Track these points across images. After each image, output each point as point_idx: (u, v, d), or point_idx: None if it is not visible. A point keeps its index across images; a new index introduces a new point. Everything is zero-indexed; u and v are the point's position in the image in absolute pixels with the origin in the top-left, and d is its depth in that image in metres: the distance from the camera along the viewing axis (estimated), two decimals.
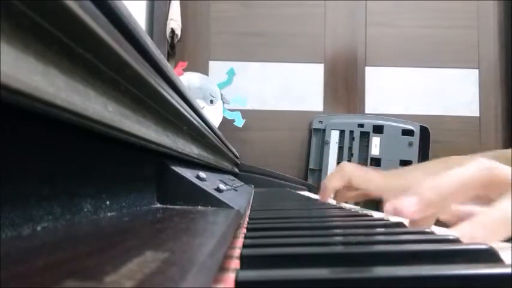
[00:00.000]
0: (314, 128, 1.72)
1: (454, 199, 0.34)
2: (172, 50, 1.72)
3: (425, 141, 1.68)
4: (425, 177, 0.34)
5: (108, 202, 0.27)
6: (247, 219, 0.38)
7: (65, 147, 0.22)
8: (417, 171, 0.66)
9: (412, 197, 0.32)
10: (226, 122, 1.64)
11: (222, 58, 1.80)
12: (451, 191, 0.33)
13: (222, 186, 0.43)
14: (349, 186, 0.66)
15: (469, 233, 0.28)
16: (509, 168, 0.33)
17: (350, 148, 1.69)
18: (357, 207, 0.65)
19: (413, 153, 1.66)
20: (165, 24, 1.64)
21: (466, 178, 0.33)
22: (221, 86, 1.67)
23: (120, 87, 0.23)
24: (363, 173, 0.65)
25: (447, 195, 0.33)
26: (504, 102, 1.83)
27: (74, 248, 0.16)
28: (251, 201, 0.64)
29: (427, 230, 0.28)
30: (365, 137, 1.69)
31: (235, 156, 1.19)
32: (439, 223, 0.37)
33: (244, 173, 1.45)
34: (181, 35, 1.68)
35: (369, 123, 1.69)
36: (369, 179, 0.64)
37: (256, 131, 1.78)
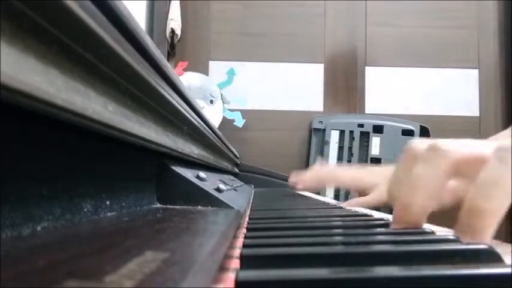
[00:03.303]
0: (314, 128, 1.72)
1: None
2: (172, 50, 1.71)
3: None
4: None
5: (108, 202, 0.27)
6: (247, 219, 0.38)
7: (65, 147, 0.22)
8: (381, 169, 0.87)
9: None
10: (226, 122, 1.64)
11: (222, 58, 1.80)
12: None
13: (222, 186, 0.43)
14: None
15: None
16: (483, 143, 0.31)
17: (350, 148, 1.69)
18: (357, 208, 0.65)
19: None
20: (165, 24, 1.64)
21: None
22: (221, 86, 1.67)
23: (120, 87, 0.23)
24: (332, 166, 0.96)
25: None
26: (504, 102, 1.83)
27: (74, 248, 0.16)
28: (251, 201, 0.64)
29: (427, 230, 0.28)
30: (365, 137, 1.69)
31: (235, 156, 1.19)
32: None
33: (244, 173, 1.45)
34: (181, 35, 1.68)
35: (369, 123, 1.69)
36: (335, 169, 0.91)
37: (256, 131, 1.78)
